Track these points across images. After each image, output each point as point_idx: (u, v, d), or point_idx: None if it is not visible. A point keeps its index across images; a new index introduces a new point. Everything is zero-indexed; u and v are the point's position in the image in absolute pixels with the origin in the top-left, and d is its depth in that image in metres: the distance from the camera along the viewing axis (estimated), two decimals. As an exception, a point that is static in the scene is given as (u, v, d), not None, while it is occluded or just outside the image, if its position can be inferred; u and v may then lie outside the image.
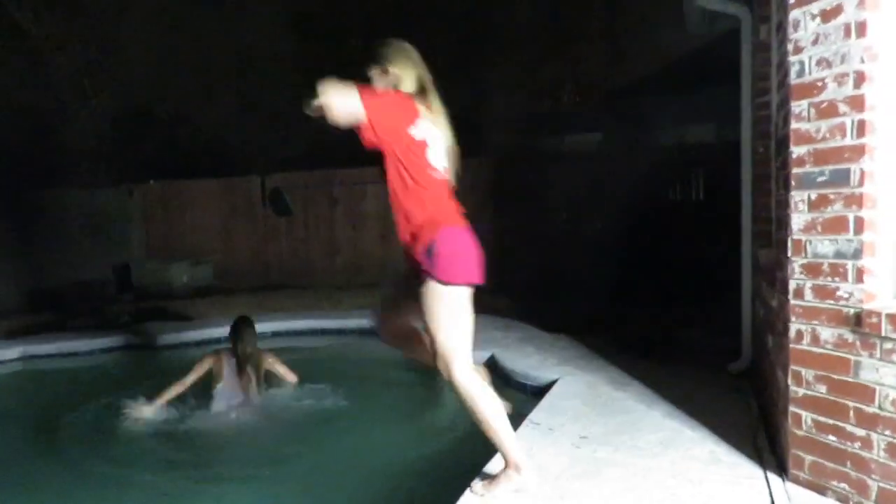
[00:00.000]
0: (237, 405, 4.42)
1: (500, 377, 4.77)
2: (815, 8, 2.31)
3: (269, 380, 4.79)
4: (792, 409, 2.52)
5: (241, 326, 4.55)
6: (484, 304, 7.29)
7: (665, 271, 7.71)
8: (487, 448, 2.72)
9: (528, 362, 4.74)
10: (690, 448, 3.03)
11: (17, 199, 9.57)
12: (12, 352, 6.03)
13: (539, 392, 4.17)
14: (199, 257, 10.60)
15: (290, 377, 4.79)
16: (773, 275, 2.97)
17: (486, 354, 5.10)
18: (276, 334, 6.77)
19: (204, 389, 4.51)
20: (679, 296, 6.99)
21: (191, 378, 4.44)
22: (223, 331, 6.65)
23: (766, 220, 3.81)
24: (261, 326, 6.35)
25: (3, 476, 3.67)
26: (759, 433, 3.12)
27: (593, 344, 5.18)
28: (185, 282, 9.96)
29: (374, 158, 9.41)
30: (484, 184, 9.35)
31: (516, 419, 3.50)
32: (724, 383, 4.05)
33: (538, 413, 3.57)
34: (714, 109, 9.73)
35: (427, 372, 3.26)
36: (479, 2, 14.53)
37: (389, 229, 9.85)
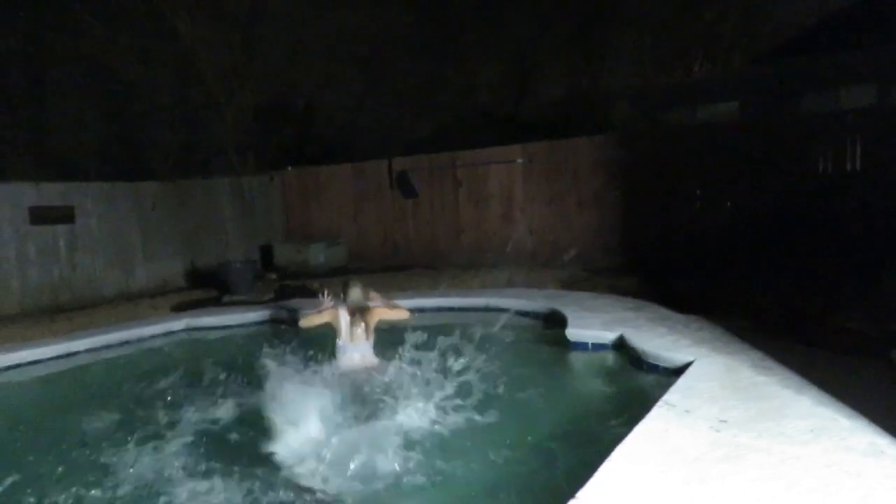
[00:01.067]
0: (358, 354, 4.82)
1: (631, 357, 4.67)
2: None
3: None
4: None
5: (347, 284, 5.02)
6: (611, 284, 7.22)
7: (815, 249, 7.11)
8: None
9: (661, 343, 4.58)
10: (846, 438, 2.82)
11: (179, 188, 10.62)
12: (179, 324, 6.76)
13: (672, 374, 4.04)
14: (333, 239, 11.23)
15: (402, 314, 5.04)
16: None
17: (613, 335, 5.00)
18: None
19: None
20: (830, 275, 6.42)
21: (319, 319, 4.89)
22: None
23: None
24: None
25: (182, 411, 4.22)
26: (929, 426, 2.84)
27: (732, 325, 4.90)
28: (322, 262, 10.60)
29: (495, 140, 9.34)
30: (611, 161, 9.09)
31: (649, 400, 3.44)
32: (885, 372, 3.70)
33: (673, 395, 3.46)
34: (876, 69, 8.76)
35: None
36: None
37: (511, 209, 9.89)
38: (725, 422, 3.07)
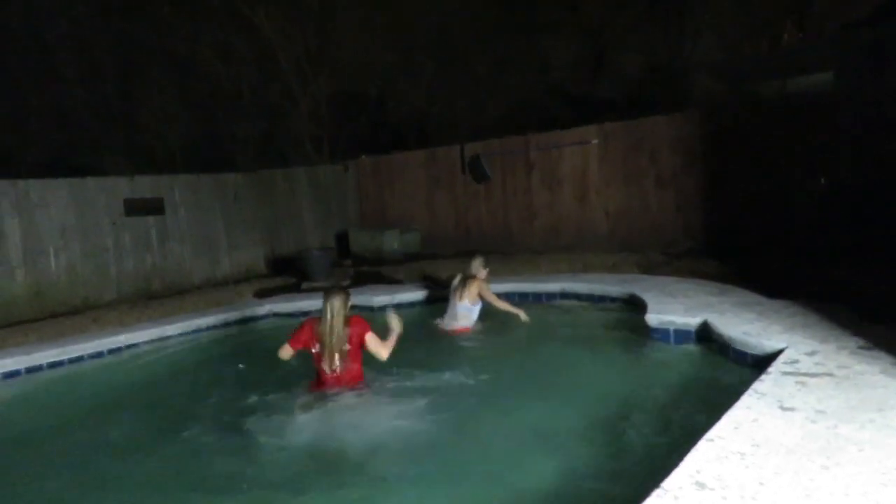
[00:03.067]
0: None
1: (716, 344, 4.48)
2: None
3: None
4: None
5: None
6: (692, 268, 6.92)
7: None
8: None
9: (749, 329, 4.35)
10: (961, 432, 2.59)
11: (259, 178, 11.01)
12: (263, 309, 7.05)
13: (762, 362, 3.84)
14: (406, 225, 11.35)
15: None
16: None
17: (696, 321, 4.80)
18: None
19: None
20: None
21: None
22: (430, 293, 7.14)
23: None
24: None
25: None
26: None
27: (828, 311, 4.61)
28: (396, 248, 10.74)
29: (570, 120, 9.14)
30: (691, 139, 8.71)
31: (737, 388, 3.29)
32: None
33: (762, 384, 3.28)
34: None
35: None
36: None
37: (586, 191, 9.66)
38: (823, 412, 2.89)
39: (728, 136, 8.36)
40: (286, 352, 4.40)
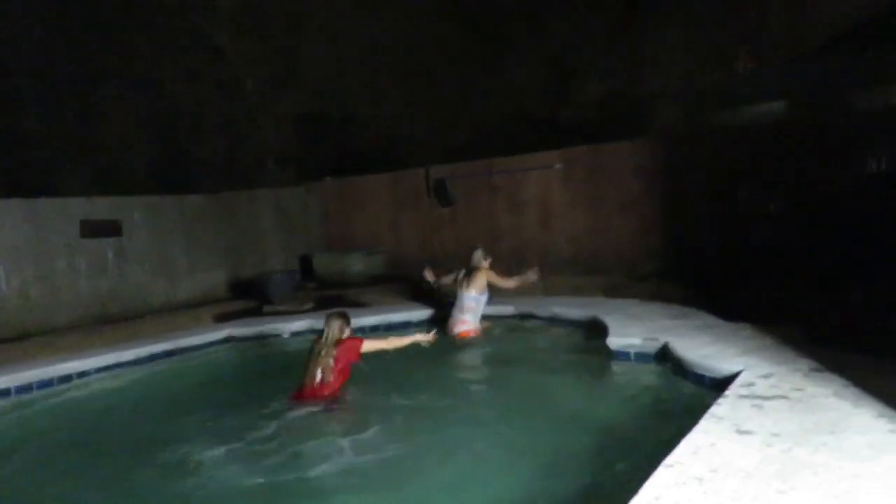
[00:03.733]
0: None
1: (675, 367, 4.53)
2: None
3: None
4: None
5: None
6: (653, 291, 7.04)
7: (868, 252, 6.80)
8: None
9: (707, 352, 4.42)
10: (910, 454, 2.65)
11: (222, 200, 10.85)
12: (221, 333, 6.88)
13: (719, 385, 3.89)
14: (371, 248, 11.29)
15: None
16: None
17: (656, 344, 4.86)
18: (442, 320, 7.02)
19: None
20: (885, 280, 6.13)
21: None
22: (397, 316, 7.10)
23: None
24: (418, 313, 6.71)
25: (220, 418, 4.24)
26: None
27: (782, 333, 4.71)
28: (360, 271, 10.66)
29: (534, 145, 9.45)
30: (652, 164, 8.90)
31: (695, 412, 3.32)
32: (951, 381, 3.49)
33: (720, 407, 3.32)
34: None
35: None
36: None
37: (549, 215, 9.77)
38: (778, 435, 2.93)
39: (687, 162, 8.58)
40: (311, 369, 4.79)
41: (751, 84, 11.61)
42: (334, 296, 9.24)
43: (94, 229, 8.85)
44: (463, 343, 6.23)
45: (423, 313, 7.26)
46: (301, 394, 4.62)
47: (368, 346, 4.81)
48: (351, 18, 13.92)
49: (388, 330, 6.96)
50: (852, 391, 3.42)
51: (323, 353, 4.63)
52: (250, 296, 9.69)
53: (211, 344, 6.74)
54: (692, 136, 9.09)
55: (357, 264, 10.68)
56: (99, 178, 13.08)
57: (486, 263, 6.57)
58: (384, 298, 8.60)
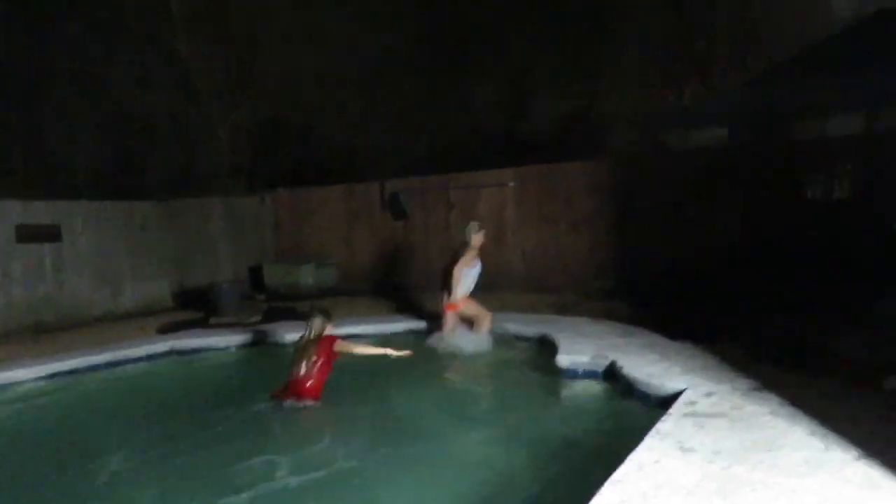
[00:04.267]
0: None
1: (622, 385, 4.58)
2: None
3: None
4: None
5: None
6: (604, 308, 7.14)
7: (808, 275, 7.08)
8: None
9: (652, 370, 4.50)
10: (842, 469, 2.74)
11: (171, 208, 10.55)
12: (163, 346, 6.63)
13: (664, 402, 3.95)
14: (324, 260, 11.14)
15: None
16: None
17: (604, 362, 4.92)
18: (392, 334, 6.96)
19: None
20: (822, 303, 6.38)
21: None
22: (345, 330, 6.98)
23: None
24: (377, 328, 6.66)
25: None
26: (926, 459, 2.76)
27: (724, 352, 4.84)
28: (311, 283, 10.50)
29: (488, 163, 9.58)
30: (604, 184, 9.08)
31: (640, 430, 3.37)
32: (877, 401, 3.63)
33: (664, 425, 3.38)
34: (865, 97, 8.83)
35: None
36: (599, -1, 14.15)
37: (503, 232, 9.84)
38: (719, 453, 2.99)
39: (637, 183, 8.78)
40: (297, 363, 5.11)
41: (700, 109, 12.03)
42: (284, 308, 9.06)
43: (31, 234, 8.47)
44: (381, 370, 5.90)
45: (372, 328, 7.18)
46: (286, 388, 4.89)
47: (342, 345, 5.11)
48: (311, 28, 13.85)
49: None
50: (788, 410, 3.52)
51: (305, 348, 5.00)
52: (197, 307, 9.42)
53: (152, 357, 6.49)
54: (644, 158, 9.33)
55: (308, 276, 10.51)
56: (40, 180, 12.57)
57: (477, 239, 6.74)
58: (335, 311, 8.46)
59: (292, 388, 4.85)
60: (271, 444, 4.14)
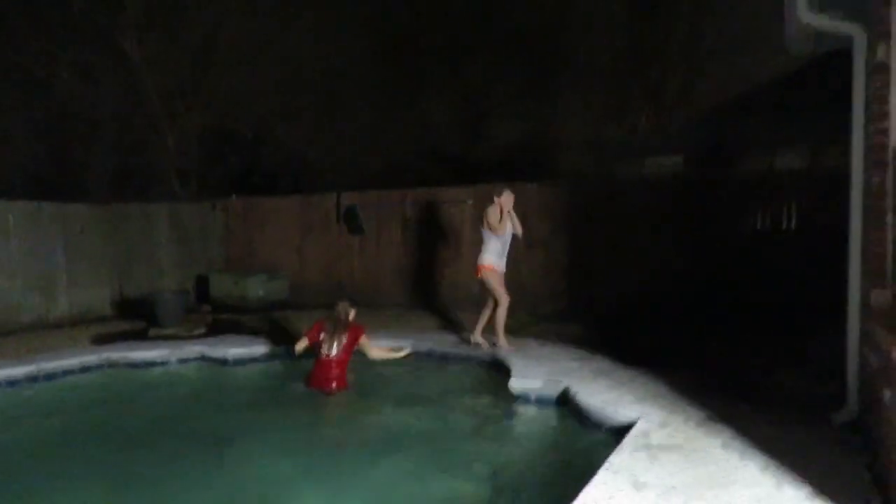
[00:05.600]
0: None
1: (575, 412, 4.53)
2: (959, 23, 2.05)
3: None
4: (921, 476, 2.20)
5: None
6: (558, 331, 7.12)
7: (754, 306, 7.24)
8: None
9: (606, 398, 4.46)
10: (793, 509, 2.73)
11: (112, 209, 10.08)
12: (94, 358, 6.25)
13: (617, 432, 3.91)
14: (274, 272, 10.83)
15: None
16: (892, 320, 2.65)
17: (557, 389, 4.87)
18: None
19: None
20: (771, 333, 6.53)
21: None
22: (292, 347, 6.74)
23: (879, 258, 3.44)
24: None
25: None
26: (874, 500, 2.78)
27: (676, 381, 4.85)
28: (260, 295, 10.18)
29: (446, 180, 9.55)
30: (559, 207, 9.13)
31: (593, 461, 3.30)
32: (827, 435, 3.68)
33: (618, 457, 3.32)
34: (808, 134, 9.17)
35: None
36: (556, 25, 14.42)
37: (458, 250, 9.77)
38: (674, 488, 2.95)
39: (591, 209, 8.87)
40: (301, 344, 5.61)
41: (651, 139, 12.31)
42: (230, 321, 8.75)
43: (-44, 234, 7.94)
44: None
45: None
46: (318, 368, 5.44)
47: (364, 341, 5.69)
48: (269, 37, 13.58)
49: (284, 359, 6.61)
50: (740, 442, 3.52)
51: (336, 330, 5.52)
52: (137, 316, 8.99)
53: (84, 369, 6.11)
54: (597, 184, 9.44)
55: (257, 288, 10.19)
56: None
57: (506, 198, 6.60)
58: (285, 326, 8.21)
59: (319, 374, 5.39)
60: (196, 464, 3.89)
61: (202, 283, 10.90)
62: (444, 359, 6.49)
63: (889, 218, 3.24)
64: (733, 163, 10.10)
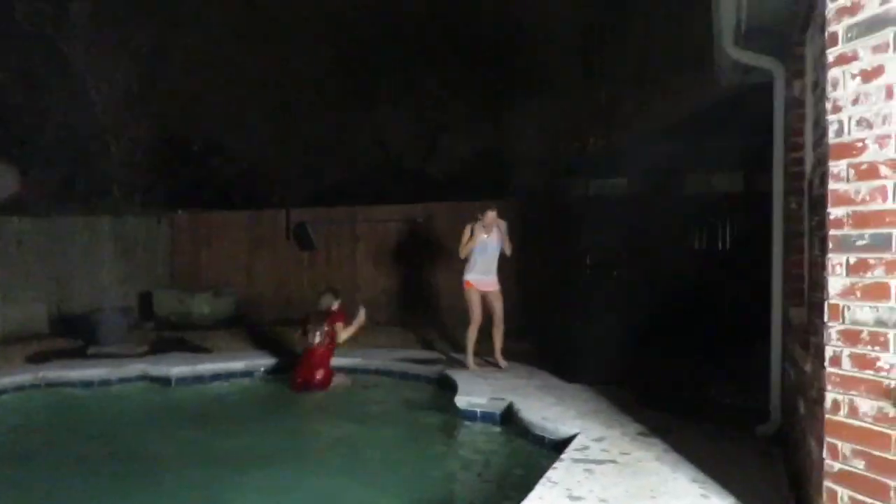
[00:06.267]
0: None
1: (519, 428, 4.62)
2: (855, 67, 2.25)
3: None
4: (827, 484, 2.36)
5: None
6: (505, 348, 7.22)
7: (691, 322, 7.51)
8: None
9: (548, 414, 4.58)
10: (717, 518, 2.87)
11: (52, 222, 9.76)
12: (29, 377, 6.03)
13: (558, 446, 4.02)
14: (222, 288, 10.64)
15: None
16: (807, 337, 2.84)
17: (501, 405, 4.96)
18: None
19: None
20: (705, 348, 6.78)
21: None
22: (240, 365, 6.66)
23: (797, 278, 3.67)
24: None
25: None
26: (791, 505, 2.95)
27: (615, 396, 5.01)
28: (207, 312, 9.97)
29: (401, 195, 9.61)
30: (511, 224, 9.28)
31: (533, 475, 3.39)
32: (752, 447, 3.86)
33: (556, 472, 3.42)
34: (743, 159, 9.61)
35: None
36: (511, 44, 14.74)
37: (411, 268, 9.83)
38: (606, 501, 3.05)
39: (542, 225, 9.07)
40: (299, 334, 6.30)
41: (599, 160, 12.66)
42: (175, 338, 8.55)
43: None
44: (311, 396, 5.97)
45: (269, 361, 6.90)
46: (303, 359, 5.97)
47: (339, 326, 6.16)
48: (221, 46, 13.44)
49: (229, 379, 6.53)
50: (672, 456, 3.67)
51: (316, 319, 6.07)
52: (76, 334, 8.68)
53: (18, 388, 5.89)
54: (548, 201, 9.67)
55: (204, 305, 9.98)
56: None
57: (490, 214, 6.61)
58: (231, 344, 8.10)
59: (305, 368, 5.85)
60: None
61: (146, 299, 10.62)
62: (390, 375, 6.52)
63: (806, 241, 3.46)
64: (675, 185, 10.48)
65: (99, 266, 10.44)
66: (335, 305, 6.25)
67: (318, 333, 5.99)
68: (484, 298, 6.40)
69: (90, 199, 12.49)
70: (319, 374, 5.88)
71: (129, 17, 12.62)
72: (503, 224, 6.60)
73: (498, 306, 6.42)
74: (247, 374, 6.62)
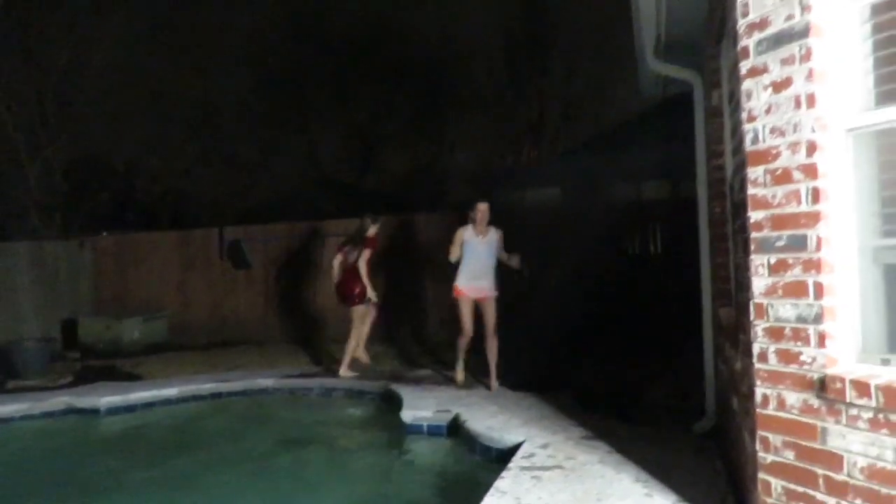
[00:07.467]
0: None
1: (465, 439, 4.63)
2: (766, 79, 2.39)
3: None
4: (761, 475, 2.47)
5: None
6: (443, 360, 7.21)
7: (627, 326, 7.74)
8: None
9: (493, 423, 4.61)
10: (660, 516, 2.95)
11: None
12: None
13: (504, 455, 4.04)
14: (152, 312, 10.22)
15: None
16: (736, 335, 2.97)
17: (447, 417, 4.96)
18: (228, 394, 6.51)
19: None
20: (642, 351, 7.00)
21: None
22: (175, 391, 6.40)
23: (725, 279, 3.85)
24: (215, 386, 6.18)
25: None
26: (729, 499, 3.07)
27: (557, 402, 5.09)
28: (137, 338, 9.56)
29: (333, 213, 9.58)
30: (445, 237, 9.33)
31: (482, 486, 3.40)
32: (690, 444, 4.00)
33: (503, 481, 3.44)
34: (669, 167, 10.02)
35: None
36: (437, 60, 14.93)
37: (350, 282, 9.69)
38: (553, 507, 3.09)
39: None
40: (336, 261, 7.04)
41: (534, 170, 12.93)
42: (103, 367, 8.14)
43: None
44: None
45: (205, 387, 6.65)
46: (342, 286, 6.81)
47: (367, 255, 6.80)
48: (141, 66, 13.00)
49: (165, 405, 6.25)
50: (615, 458, 3.76)
51: (354, 240, 6.79)
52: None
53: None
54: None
55: (133, 331, 9.56)
56: None
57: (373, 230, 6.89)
58: (165, 369, 7.77)
59: (344, 285, 6.77)
60: None
61: (70, 327, 10.07)
62: (337, 391, 6.43)
63: (730, 244, 3.64)
64: (606, 194, 10.82)
65: (16, 294, 9.83)
66: (372, 231, 6.78)
67: (355, 254, 6.68)
68: (476, 306, 6.00)
69: (5, 223, 11.81)
70: (358, 289, 6.72)
71: (40, 35, 12.05)
72: (498, 233, 6.32)
73: (490, 315, 5.95)
74: (182, 400, 6.36)
